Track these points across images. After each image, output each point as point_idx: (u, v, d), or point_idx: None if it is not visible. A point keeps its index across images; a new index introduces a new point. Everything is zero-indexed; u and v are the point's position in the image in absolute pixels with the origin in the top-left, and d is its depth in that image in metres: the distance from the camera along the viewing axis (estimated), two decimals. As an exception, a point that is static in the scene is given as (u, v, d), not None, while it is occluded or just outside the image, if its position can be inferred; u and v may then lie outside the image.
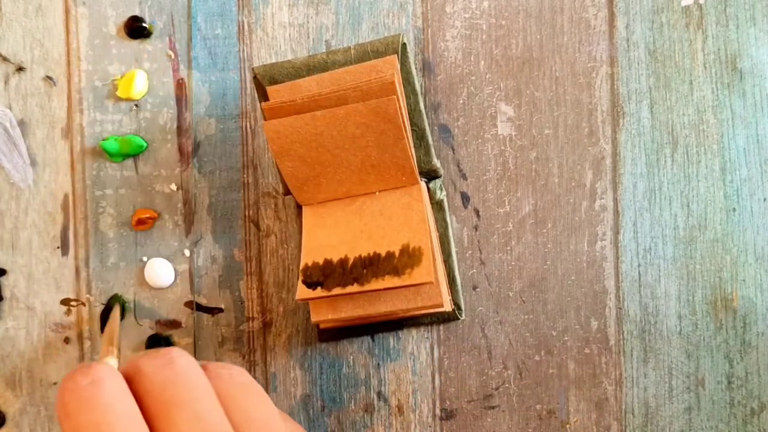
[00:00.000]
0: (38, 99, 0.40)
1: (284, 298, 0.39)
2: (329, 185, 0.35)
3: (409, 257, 0.33)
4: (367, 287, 0.33)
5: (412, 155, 0.34)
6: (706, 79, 0.37)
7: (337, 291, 0.33)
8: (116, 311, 0.37)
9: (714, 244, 0.37)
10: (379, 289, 0.33)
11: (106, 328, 0.36)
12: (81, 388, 0.24)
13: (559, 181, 0.37)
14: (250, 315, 0.39)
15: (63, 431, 0.23)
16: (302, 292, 0.34)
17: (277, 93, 0.35)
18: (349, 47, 0.35)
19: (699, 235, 0.37)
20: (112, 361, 0.32)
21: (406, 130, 0.34)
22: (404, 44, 0.35)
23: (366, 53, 0.35)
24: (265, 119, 0.34)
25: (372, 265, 0.33)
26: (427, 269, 0.32)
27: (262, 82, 0.35)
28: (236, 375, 0.27)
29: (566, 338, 0.37)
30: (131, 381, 0.25)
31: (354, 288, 0.33)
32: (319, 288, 0.34)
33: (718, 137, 0.37)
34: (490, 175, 0.38)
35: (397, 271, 0.33)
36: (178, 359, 0.25)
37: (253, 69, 0.36)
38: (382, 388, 0.38)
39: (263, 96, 0.36)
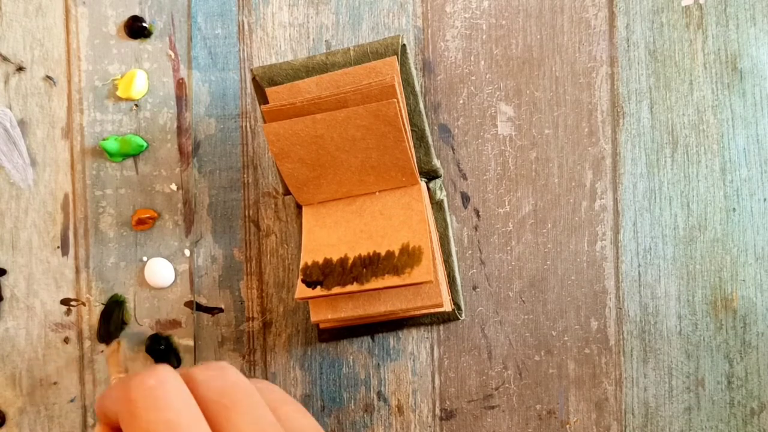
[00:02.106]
0: (38, 99, 0.40)
1: (284, 298, 0.39)
2: (329, 186, 0.35)
3: (408, 256, 0.33)
4: (366, 286, 0.33)
5: (412, 156, 0.34)
6: (706, 79, 0.37)
7: (336, 290, 0.33)
8: (116, 345, 0.38)
9: (714, 244, 0.37)
10: (379, 288, 0.33)
11: (110, 357, 0.37)
12: (149, 388, 0.25)
13: (559, 181, 0.37)
14: (250, 315, 0.39)
15: (130, 428, 0.25)
16: (302, 291, 0.34)
17: (276, 95, 0.35)
18: (349, 48, 0.35)
19: (699, 235, 0.37)
20: None
21: (406, 132, 0.34)
22: (404, 45, 0.34)
23: (365, 54, 0.34)
24: (264, 122, 0.34)
25: (372, 264, 0.33)
26: (426, 268, 0.32)
27: (261, 83, 0.35)
28: (276, 389, 0.29)
29: (566, 338, 0.37)
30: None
31: (353, 287, 0.33)
32: (318, 287, 0.34)
33: (718, 137, 0.37)
34: (490, 175, 0.38)
35: (396, 270, 0.33)
36: (229, 370, 0.27)
37: (251, 70, 0.36)
38: (382, 388, 0.38)
39: (262, 98, 0.36)
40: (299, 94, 0.34)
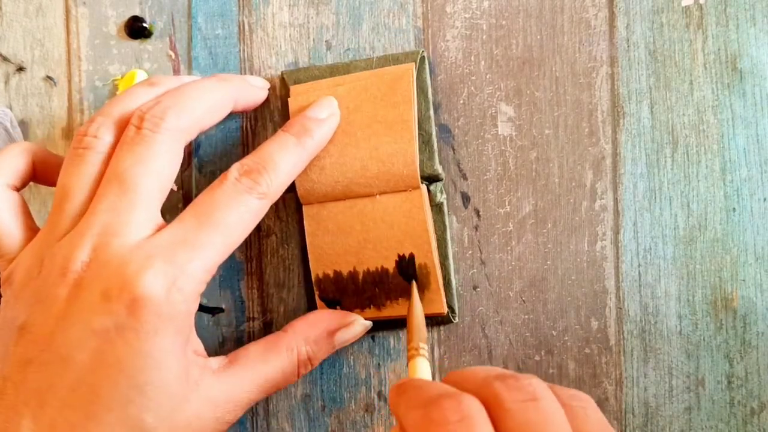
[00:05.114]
0: (38, 99, 0.40)
1: (285, 298, 0.39)
2: (332, 171, 0.36)
3: (416, 276, 0.36)
4: (384, 312, 0.36)
5: (415, 137, 0.35)
6: (706, 79, 0.37)
7: (357, 312, 0.37)
8: (416, 294, 0.35)
9: (714, 244, 0.37)
10: (395, 317, 0.36)
11: (412, 317, 0.33)
12: (451, 424, 0.22)
13: (560, 181, 0.38)
14: (251, 315, 0.39)
15: None
16: (322, 309, 0.37)
17: (298, 89, 0.37)
18: (372, 57, 0.37)
19: (699, 235, 0.37)
20: (425, 365, 0.31)
21: (414, 114, 0.35)
22: (423, 57, 0.37)
23: (387, 61, 0.37)
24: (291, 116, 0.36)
25: (382, 283, 0.36)
26: (438, 302, 0.36)
27: (288, 83, 0.38)
28: (591, 412, 0.25)
29: (566, 338, 0.37)
30: (489, 411, 0.23)
31: (372, 312, 0.36)
32: (338, 307, 0.37)
33: (718, 137, 0.37)
34: (491, 175, 0.38)
35: (408, 294, 0.35)
36: (542, 395, 0.24)
37: (282, 72, 0.38)
38: (383, 388, 0.38)
39: (287, 97, 0.37)
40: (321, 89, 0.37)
